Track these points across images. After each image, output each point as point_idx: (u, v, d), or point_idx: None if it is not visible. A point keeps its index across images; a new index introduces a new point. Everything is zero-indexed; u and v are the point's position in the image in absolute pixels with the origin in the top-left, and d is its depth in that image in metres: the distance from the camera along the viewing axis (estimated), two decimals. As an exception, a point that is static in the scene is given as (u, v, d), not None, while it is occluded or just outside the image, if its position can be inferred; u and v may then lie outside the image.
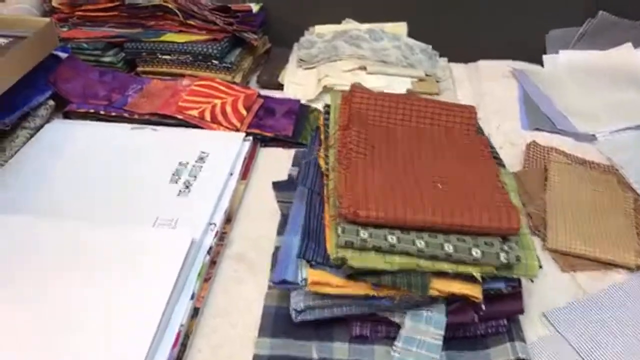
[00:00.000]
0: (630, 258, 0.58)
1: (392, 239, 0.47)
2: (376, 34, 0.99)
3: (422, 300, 0.48)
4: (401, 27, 1.03)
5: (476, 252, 0.46)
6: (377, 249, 0.47)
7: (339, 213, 0.48)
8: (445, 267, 0.46)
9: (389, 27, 1.02)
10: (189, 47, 0.87)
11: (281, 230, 0.62)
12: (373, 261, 0.46)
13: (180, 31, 0.90)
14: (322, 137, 0.62)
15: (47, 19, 0.78)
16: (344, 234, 0.47)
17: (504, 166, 0.58)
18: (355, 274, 0.47)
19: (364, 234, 0.47)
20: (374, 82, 0.89)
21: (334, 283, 0.47)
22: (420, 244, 0.46)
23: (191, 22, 0.90)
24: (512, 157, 0.76)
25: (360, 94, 0.61)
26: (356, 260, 0.46)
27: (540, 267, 0.48)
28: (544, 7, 0.98)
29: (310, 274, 0.48)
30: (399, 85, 0.90)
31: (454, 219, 0.47)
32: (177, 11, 0.89)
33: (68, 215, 0.60)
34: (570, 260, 0.59)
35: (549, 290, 0.56)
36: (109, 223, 0.59)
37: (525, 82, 0.93)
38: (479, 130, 0.62)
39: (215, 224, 0.61)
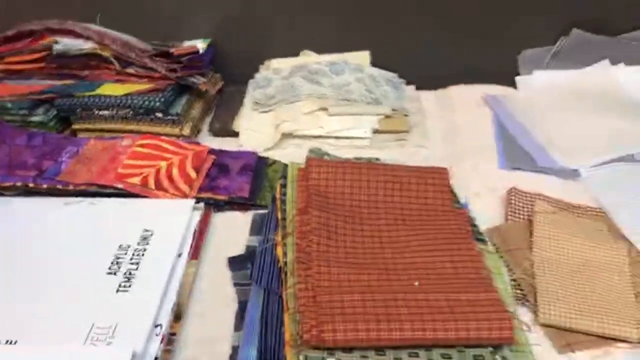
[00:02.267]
0: (631, 330, 0.52)
1: (366, 363, 0.39)
2: (337, 66, 0.91)
3: None
4: (364, 57, 0.95)
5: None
6: (349, 377, 0.39)
7: (301, 336, 0.40)
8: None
9: (351, 56, 0.95)
10: (128, 99, 0.77)
11: (238, 325, 0.54)
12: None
13: (118, 81, 0.81)
14: (279, 216, 0.54)
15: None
16: (307, 363, 0.39)
17: (485, 241, 0.51)
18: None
19: (331, 361, 0.39)
20: (337, 125, 0.81)
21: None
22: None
23: (130, 70, 0.80)
24: (491, 206, 0.68)
25: (318, 169, 0.53)
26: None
27: None
28: (516, 27, 0.92)
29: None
30: (365, 124, 0.82)
31: (437, 333, 0.39)
32: (113, 59, 0.80)
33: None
34: (566, 338, 0.52)
35: (547, 378, 0.50)
36: (33, 341, 0.50)
37: (500, 111, 0.87)
38: (454, 199, 0.55)
39: (161, 326, 0.52)
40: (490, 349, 0.40)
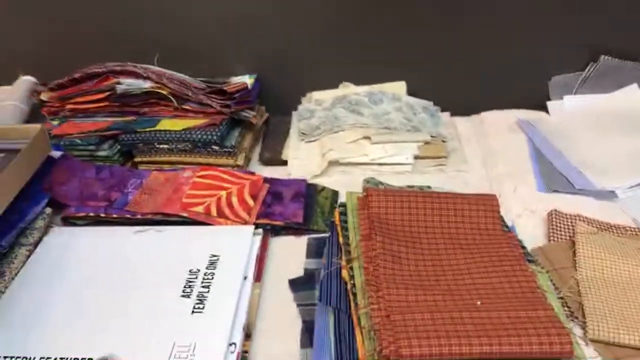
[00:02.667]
0: (678, 345, 0.55)
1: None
2: (375, 96, 0.97)
3: None
4: (400, 87, 1.00)
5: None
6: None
7: (378, 352, 0.44)
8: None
9: (388, 87, 1.00)
10: (186, 134, 0.84)
11: (304, 342, 0.58)
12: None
13: (175, 116, 0.87)
14: (341, 241, 0.59)
15: (39, 126, 0.75)
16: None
17: (535, 262, 0.55)
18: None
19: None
20: (379, 152, 0.86)
21: None
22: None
23: (186, 106, 0.87)
24: (533, 228, 0.72)
25: (377, 197, 0.58)
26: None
27: None
28: (546, 54, 0.96)
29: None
30: (406, 151, 0.87)
31: (503, 347, 0.43)
32: (171, 97, 0.86)
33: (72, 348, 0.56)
34: (615, 352, 0.56)
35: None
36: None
37: (533, 135, 0.91)
38: (503, 223, 0.59)
39: (235, 344, 0.57)
40: (553, 360, 0.44)
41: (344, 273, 0.54)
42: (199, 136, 0.83)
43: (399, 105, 0.96)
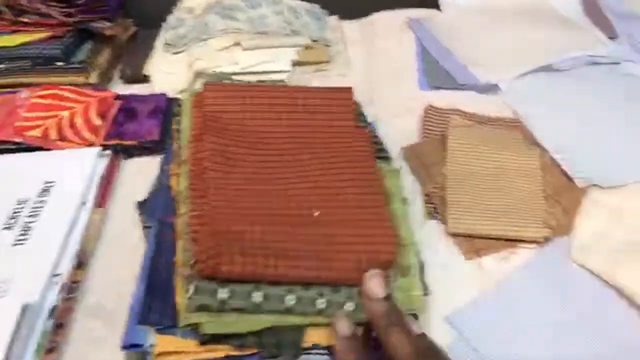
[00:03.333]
0: (536, 230, 0.52)
1: (258, 297, 0.38)
2: (254, 0, 0.87)
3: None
4: (282, -12, 0.90)
5: (349, 306, 0.39)
6: (240, 310, 0.38)
7: (192, 265, 0.39)
8: (320, 320, 0.39)
9: (269, -11, 0.90)
10: (24, 50, 0.72)
11: (145, 267, 0.52)
12: (234, 325, 0.38)
13: (14, 32, 0.75)
14: (175, 147, 0.51)
15: None
16: (197, 294, 0.38)
17: (389, 159, 0.50)
18: (213, 339, 0.38)
19: (223, 293, 0.38)
20: (253, 59, 0.78)
21: (187, 349, 0.39)
22: (291, 301, 0.38)
23: (24, 19, 0.75)
24: (409, 125, 0.67)
25: (214, 94, 0.50)
26: (213, 326, 0.38)
27: (426, 294, 0.42)
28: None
29: (158, 341, 0.39)
30: (283, 57, 0.79)
31: (331, 272, 0.39)
32: (4, 8, 0.74)
33: None
34: (475, 244, 0.53)
35: (452, 285, 0.49)
36: None
37: (422, 35, 0.85)
38: (361, 117, 0.53)
39: (60, 275, 0.50)
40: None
41: (173, 180, 0.48)
42: (39, 51, 0.72)
43: (280, 9, 0.86)
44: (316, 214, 0.43)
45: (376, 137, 0.54)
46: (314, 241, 0.41)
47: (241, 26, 0.81)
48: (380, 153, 0.52)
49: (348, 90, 0.53)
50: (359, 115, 0.54)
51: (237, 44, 0.79)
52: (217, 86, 0.52)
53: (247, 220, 0.42)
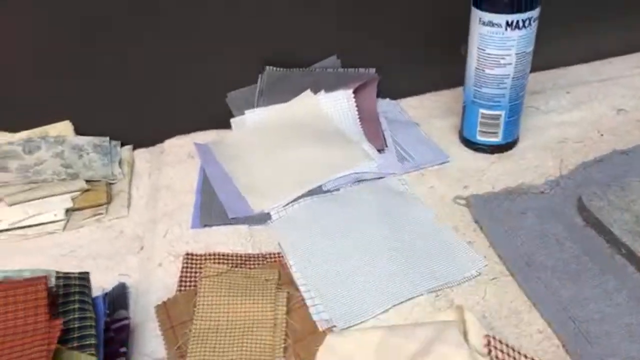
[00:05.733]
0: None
1: None
2: (33, 143, 0.84)
3: None
4: (66, 126, 0.89)
5: None
6: None
7: None
8: None
9: (52, 128, 0.88)
10: None
11: None
12: None
13: None
14: None
15: None
16: None
17: (90, 347, 0.48)
18: None
19: None
20: (19, 215, 0.75)
21: None
22: None
23: None
24: (172, 276, 0.67)
25: None
26: None
27: None
28: (222, 66, 0.91)
29: None
30: (55, 206, 0.77)
31: None
32: None
33: None
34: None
35: None
36: None
37: (206, 162, 0.86)
38: (69, 302, 0.52)
39: None
40: None
41: None
42: None
43: (60, 150, 0.84)
44: None
45: (86, 319, 0.51)
46: None
47: (9, 178, 0.78)
48: (84, 340, 0.49)
49: (39, 281, 0.50)
50: (66, 299, 0.52)
51: (1, 199, 0.76)
52: None
53: None
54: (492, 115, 0.79)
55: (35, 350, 0.45)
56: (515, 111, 0.79)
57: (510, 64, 0.74)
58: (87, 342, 0.50)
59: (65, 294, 0.53)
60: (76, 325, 0.50)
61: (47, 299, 0.49)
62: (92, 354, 0.48)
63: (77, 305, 0.52)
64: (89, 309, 0.53)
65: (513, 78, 0.75)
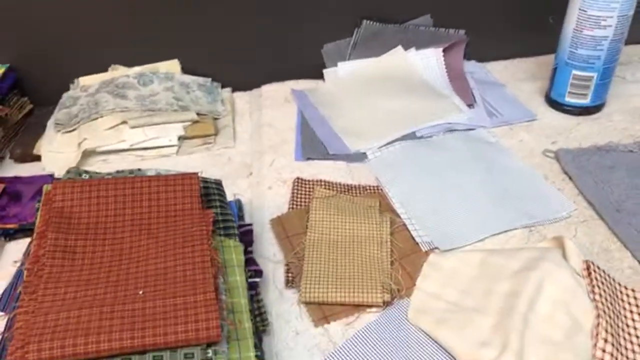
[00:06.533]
0: (376, 295, 0.58)
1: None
2: (146, 77, 0.92)
3: None
4: (174, 65, 0.96)
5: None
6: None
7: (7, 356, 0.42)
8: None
9: (162, 66, 0.96)
10: None
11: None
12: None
13: None
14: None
15: None
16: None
17: (235, 235, 0.55)
18: None
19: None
20: (140, 136, 0.83)
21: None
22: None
23: None
24: (281, 197, 0.73)
25: (62, 190, 0.54)
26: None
27: (259, 356, 0.46)
28: (317, 20, 0.96)
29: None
30: (170, 133, 0.84)
31: (146, 339, 0.43)
32: None
33: None
34: (324, 311, 0.58)
35: (302, 351, 0.54)
36: None
37: (304, 106, 0.92)
38: (211, 199, 0.58)
39: None
40: (204, 344, 0.44)
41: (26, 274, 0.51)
42: None
43: (171, 85, 0.92)
44: (141, 292, 0.47)
45: (227, 214, 0.58)
46: (132, 315, 0.44)
47: (130, 105, 0.86)
48: (229, 230, 0.56)
49: (193, 175, 0.58)
50: (208, 197, 0.59)
51: (125, 122, 0.84)
52: (66, 183, 0.55)
53: (67, 307, 0.45)
54: (584, 77, 0.83)
55: (196, 230, 0.52)
56: (607, 74, 0.83)
57: (610, 25, 0.77)
58: (231, 232, 0.56)
59: (206, 194, 0.60)
60: (220, 219, 0.57)
61: (199, 191, 0.56)
62: (236, 241, 0.55)
63: (218, 203, 0.59)
64: (227, 207, 0.60)
65: (611, 40, 0.78)
